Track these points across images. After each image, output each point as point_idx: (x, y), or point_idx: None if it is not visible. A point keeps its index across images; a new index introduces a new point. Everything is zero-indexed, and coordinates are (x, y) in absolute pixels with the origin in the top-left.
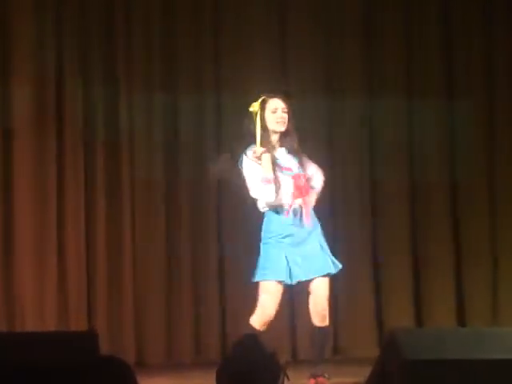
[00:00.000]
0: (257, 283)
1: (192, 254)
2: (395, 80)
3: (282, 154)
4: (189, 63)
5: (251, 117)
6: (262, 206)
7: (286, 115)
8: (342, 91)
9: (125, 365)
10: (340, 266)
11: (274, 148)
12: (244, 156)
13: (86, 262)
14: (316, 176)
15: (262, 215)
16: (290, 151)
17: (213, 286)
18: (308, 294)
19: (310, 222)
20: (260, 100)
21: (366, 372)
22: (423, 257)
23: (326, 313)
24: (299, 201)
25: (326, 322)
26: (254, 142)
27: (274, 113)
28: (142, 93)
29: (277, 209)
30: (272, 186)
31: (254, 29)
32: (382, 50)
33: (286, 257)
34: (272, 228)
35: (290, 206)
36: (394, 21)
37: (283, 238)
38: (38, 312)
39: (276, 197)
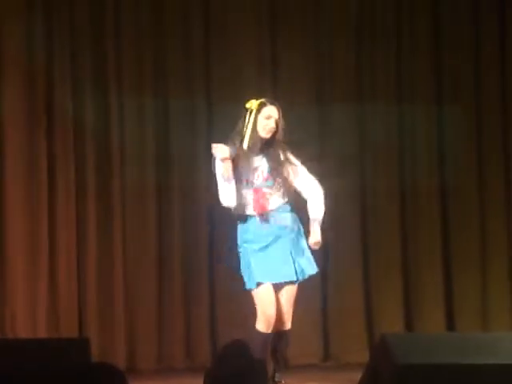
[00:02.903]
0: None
1: (183, 258)
2: (385, 85)
3: (258, 160)
4: (179, 69)
5: (245, 113)
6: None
7: (275, 125)
8: (332, 96)
9: (118, 371)
10: (308, 274)
11: (256, 152)
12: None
13: (77, 268)
14: (308, 189)
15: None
16: (269, 160)
17: (203, 290)
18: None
19: (283, 221)
20: (259, 101)
21: (356, 377)
22: (413, 262)
23: (288, 318)
24: (260, 208)
25: (287, 327)
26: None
27: (267, 119)
28: (132, 97)
29: (241, 216)
30: (231, 187)
31: (244, 33)
32: (371, 55)
33: (250, 261)
34: (241, 234)
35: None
36: (384, 26)
37: (250, 243)
38: (28, 318)
39: (234, 201)
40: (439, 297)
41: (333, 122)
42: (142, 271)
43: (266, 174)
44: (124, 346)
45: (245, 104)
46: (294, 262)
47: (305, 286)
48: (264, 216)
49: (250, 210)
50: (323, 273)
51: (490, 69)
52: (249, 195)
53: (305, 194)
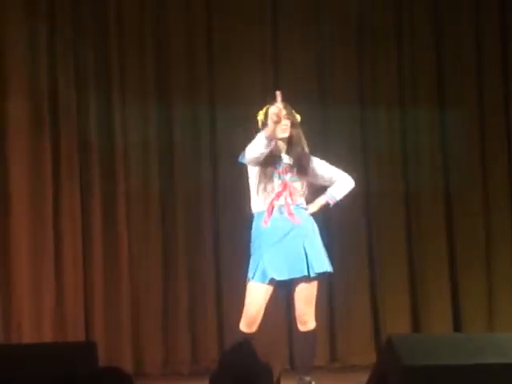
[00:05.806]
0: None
1: (188, 264)
2: (387, 88)
3: (286, 158)
4: (183, 75)
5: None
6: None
7: (288, 121)
8: (334, 100)
9: (126, 375)
10: (322, 271)
11: (279, 153)
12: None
13: (83, 273)
14: (339, 182)
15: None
16: (292, 158)
17: (210, 295)
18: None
19: (297, 219)
20: (265, 108)
21: (363, 379)
22: (419, 263)
23: (307, 318)
24: (281, 200)
25: (309, 327)
26: None
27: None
28: (136, 101)
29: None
30: (265, 145)
31: (247, 39)
32: (373, 58)
33: (261, 255)
34: (254, 228)
35: (271, 204)
36: (385, 30)
37: (262, 236)
38: (35, 323)
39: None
40: (446, 297)
41: (335, 125)
42: (147, 276)
43: (294, 170)
44: (130, 351)
45: (248, 108)
46: (306, 257)
47: None
48: (277, 211)
49: (264, 206)
50: (329, 275)
51: (493, 69)
52: (277, 186)
53: (335, 179)
